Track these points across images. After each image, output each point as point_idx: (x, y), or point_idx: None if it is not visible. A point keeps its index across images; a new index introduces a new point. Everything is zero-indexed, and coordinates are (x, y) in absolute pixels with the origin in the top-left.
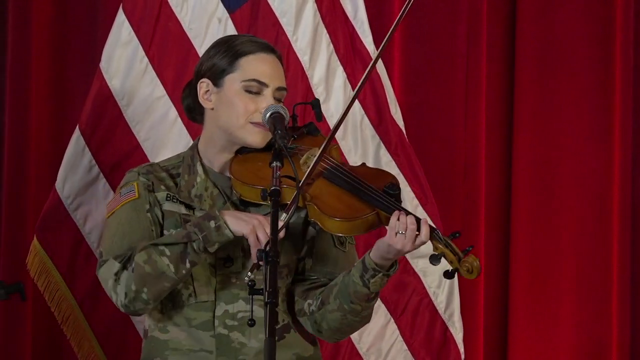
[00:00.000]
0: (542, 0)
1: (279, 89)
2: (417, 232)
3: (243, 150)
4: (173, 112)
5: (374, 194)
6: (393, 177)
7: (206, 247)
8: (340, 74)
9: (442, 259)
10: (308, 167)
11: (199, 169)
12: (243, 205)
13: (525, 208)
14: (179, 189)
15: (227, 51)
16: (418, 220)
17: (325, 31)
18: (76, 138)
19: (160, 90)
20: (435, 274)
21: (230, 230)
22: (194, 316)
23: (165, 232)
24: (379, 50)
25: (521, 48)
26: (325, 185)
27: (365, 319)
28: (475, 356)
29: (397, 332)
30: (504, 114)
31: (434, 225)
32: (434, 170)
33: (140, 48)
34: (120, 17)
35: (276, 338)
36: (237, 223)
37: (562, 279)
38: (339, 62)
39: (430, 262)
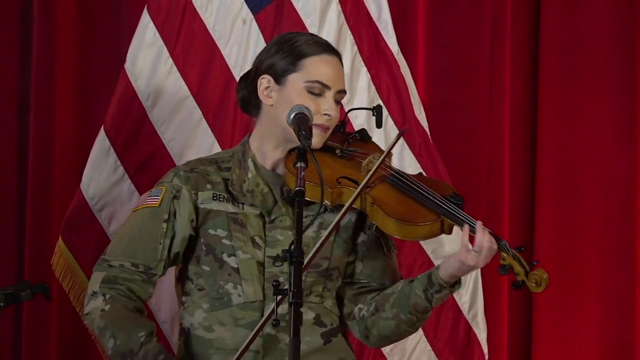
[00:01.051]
0: (566, 0)
1: (339, 91)
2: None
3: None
4: (198, 113)
5: (439, 201)
6: (452, 188)
7: None
8: (364, 75)
9: (510, 271)
10: (369, 171)
11: (250, 164)
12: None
13: (548, 208)
14: (231, 182)
15: (291, 50)
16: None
17: (349, 32)
18: (101, 139)
19: (185, 90)
20: None
21: None
22: (242, 315)
23: (211, 231)
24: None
25: (545, 48)
26: (389, 189)
27: (417, 329)
28: (499, 356)
29: (421, 332)
30: (527, 114)
31: (500, 237)
32: (458, 171)
33: (165, 49)
34: (145, 19)
35: (323, 341)
36: None
37: (586, 278)
38: (363, 63)
39: (499, 271)
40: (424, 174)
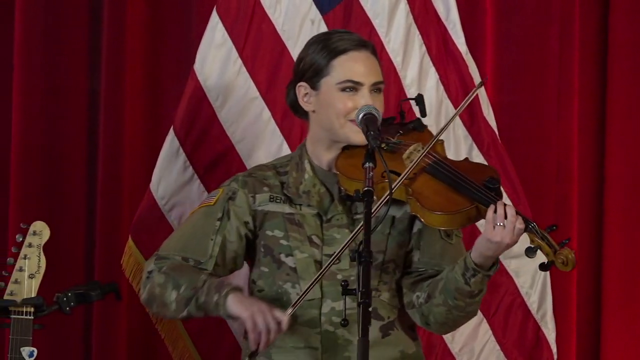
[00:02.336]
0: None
1: (374, 84)
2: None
3: (349, 147)
4: (267, 113)
5: (473, 188)
6: (494, 171)
7: (205, 311)
8: (432, 75)
9: (538, 252)
10: (411, 162)
11: (307, 166)
12: (349, 201)
13: (618, 208)
14: (287, 185)
15: (320, 53)
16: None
17: (417, 32)
18: (171, 139)
19: (253, 91)
20: (527, 274)
21: (226, 310)
22: (300, 313)
23: (268, 232)
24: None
25: (614, 48)
26: (428, 179)
27: (471, 314)
28: (568, 356)
29: (490, 332)
30: (596, 114)
31: (529, 219)
32: (526, 171)
33: (234, 49)
34: (214, 19)
35: (381, 335)
36: (237, 307)
37: None
38: (431, 63)
39: (526, 254)
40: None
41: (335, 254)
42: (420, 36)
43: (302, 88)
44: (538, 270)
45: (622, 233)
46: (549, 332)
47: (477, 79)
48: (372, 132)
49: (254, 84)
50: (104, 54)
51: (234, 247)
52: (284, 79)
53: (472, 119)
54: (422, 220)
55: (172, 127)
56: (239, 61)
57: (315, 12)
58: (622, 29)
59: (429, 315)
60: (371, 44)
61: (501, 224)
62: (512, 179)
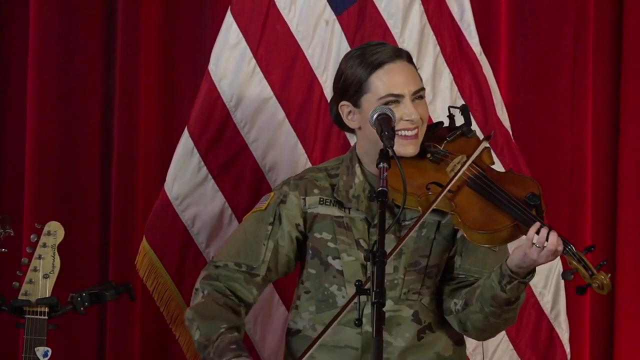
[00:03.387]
0: None
1: (415, 92)
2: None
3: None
4: (281, 113)
5: (513, 205)
6: (536, 186)
7: None
8: (446, 75)
9: (574, 274)
10: (452, 174)
11: (358, 170)
12: (393, 209)
13: (631, 209)
14: (337, 189)
15: (357, 69)
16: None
17: (431, 32)
18: (185, 139)
19: (268, 91)
20: (541, 274)
21: None
22: (347, 315)
23: (316, 234)
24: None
25: (628, 48)
26: (469, 194)
27: (509, 320)
28: (581, 356)
29: (504, 332)
30: (610, 114)
31: (567, 241)
32: (540, 171)
33: (248, 50)
34: (229, 19)
35: (417, 338)
36: None
37: None
38: (445, 64)
39: (562, 278)
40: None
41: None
42: (434, 36)
43: (345, 107)
44: (555, 273)
45: (635, 233)
46: (563, 332)
47: (491, 80)
48: (386, 133)
49: (268, 84)
50: (118, 55)
51: (285, 250)
52: (298, 79)
53: (486, 119)
54: (464, 235)
55: (186, 127)
56: (253, 61)
57: (329, 13)
58: (636, 30)
59: (466, 322)
60: (406, 52)
61: (540, 246)
62: None
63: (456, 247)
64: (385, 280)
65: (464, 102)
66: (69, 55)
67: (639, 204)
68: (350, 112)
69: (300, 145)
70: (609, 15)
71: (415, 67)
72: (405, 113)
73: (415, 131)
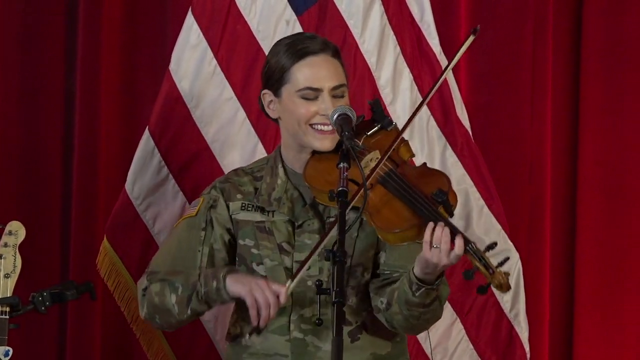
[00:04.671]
0: (609, 0)
1: (334, 87)
2: (452, 246)
3: (317, 152)
4: (241, 114)
5: (419, 203)
6: (444, 181)
7: (208, 301)
8: (407, 76)
9: (476, 275)
10: (368, 171)
11: (280, 171)
12: (317, 208)
13: (591, 207)
14: (259, 193)
15: (280, 60)
16: (453, 233)
17: (392, 33)
18: (146, 139)
19: (228, 91)
20: None
21: (228, 293)
22: (271, 321)
23: (240, 241)
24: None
25: (587, 48)
26: (381, 192)
27: (432, 319)
28: (540, 355)
29: (463, 331)
30: (570, 113)
31: (470, 240)
32: (500, 170)
33: (209, 50)
34: (189, 20)
35: (350, 340)
36: (236, 286)
37: (629, 277)
38: (405, 64)
39: (464, 277)
40: (463, 170)
41: (310, 254)
42: (394, 37)
43: (267, 95)
44: (515, 272)
45: (594, 233)
46: (522, 331)
47: (451, 79)
48: (346, 133)
49: (229, 84)
50: (79, 55)
51: (222, 254)
52: (259, 79)
53: (445, 119)
54: (380, 235)
55: (147, 128)
56: (214, 62)
57: (290, 13)
58: (595, 29)
59: (392, 321)
60: (333, 46)
61: (437, 245)
62: (486, 179)
63: (379, 242)
64: (311, 283)
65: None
66: (29, 56)
67: (598, 203)
68: (271, 101)
69: (261, 145)
70: (568, 14)
71: (341, 62)
72: (321, 108)
73: (331, 127)
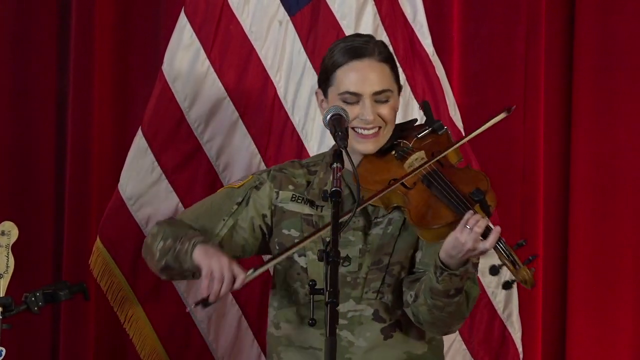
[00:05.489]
0: (601, 1)
1: (376, 93)
2: (481, 237)
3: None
4: (235, 114)
5: (457, 200)
6: (484, 181)
7: (178, 259)
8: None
9: (501, 270)
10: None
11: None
12: (365, 207)
13: (584, 209)
14: (311, 186)
15: (327, 63)
16: (489, 226)
17: (385, 33)
18: (139, 140)
19: (222, 92)
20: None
21: (192, 258)
22: (307, 314)
23: (285, 231)
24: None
25: (580, 49)
26: (422, 190)
27: (455, 315)
28: (533, 356)
29: (456, 331)
30: (562, 115)
31: (501, 237)
32: (493, 171)
33: (202, 51)
34: (182, 21)
35: (383, 337)
36: (201, 255)
37: (621, 278)
38: (398, 64)
39: (490, 273)
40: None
41: (296, 243)
42: (387, 37)
43: (319, 94)
44: (508, 272)
45: (587, 233)
46: (515, 331)
47: (443, 80)
48: (339, 133)
49: (222, 84)
50: (72, 55)
51: (244, 234)
52: (252, 79)
53: (438, 119)
54: (415, 231)
55: (140, 128)
56: (207, 62)
57: (283, 13)
58: (587, 30)
59: (418, 315)
60: (384, 50)
61: (470, 227)
62: None
63: (419, 241)
64: (350, 279)
65: (426, 100)
66: (22, 56)
67: (591, 203)
68: (322, 100)
69: (254, 146)
70: (560, 15)
71: (390, 67)
72: (360, 113)
73: (373, 130)
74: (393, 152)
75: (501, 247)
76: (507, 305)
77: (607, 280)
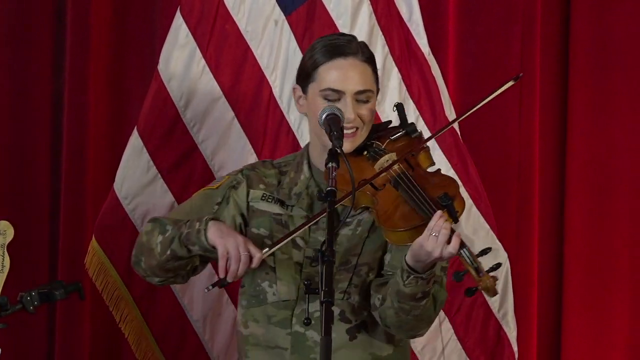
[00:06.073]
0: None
1: (359, 92)
2: (447, 241)
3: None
4: (230, 113)
5: (424, 204)
6: (453, 186)
7: (187, 244)
8: (395, 75)
9: (466, 277)
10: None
11: (305, 167)
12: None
13: (579, 208)
14: (280, 186)
15: (310, 58)
16: (452, 230)
17: (380, 33)
18: (134, 139)
19: (217, 91)
20: None
21: (207, 238)
22: (274, 313)
23: (254, 229)
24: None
25: (575, 48)
26: (390, 192)
27: (421, 318)
28: (528, 355)
29: (452, 330)
30: (558, 114)
31: (465, 243)
32: (488, 170)
33: (198, 50)
34: (178, 20)
35: (348, 337)
36: (216, 234)
37: (616, 277)
38: (394, 64)
39: (453, 279)
40: (451, 170)
41: (284, 237)
42: (383, 37)
43: (297, 90)
44: (504, 272)
45: (582, 232)
46: (510, 330)
47: (439, 79)
48: (335, 132)
49: (217, 84)
50: (67, 54)
51: None
52: (247, 79)
53: (434, 119)
54: (382, 233)
55: (135, 127)
56: (203, 61)
57: (278, 13)
58: (583, 29)
59: (385, 318)
60: (367, 51)
61: (435, 234)
62: (474, 179)
63: (388, 243)
64: (317, 279)
65: (400, 102)
66: (18, 56)
67: (586, 202)
68: (300, 96)
69: (249, 145)
70: (556, 15)
71: (372, 68)
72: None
73: (351, 130)
74: (365, 153)
75: (465, 254)
76: (502, 304)
77: (603, 279)
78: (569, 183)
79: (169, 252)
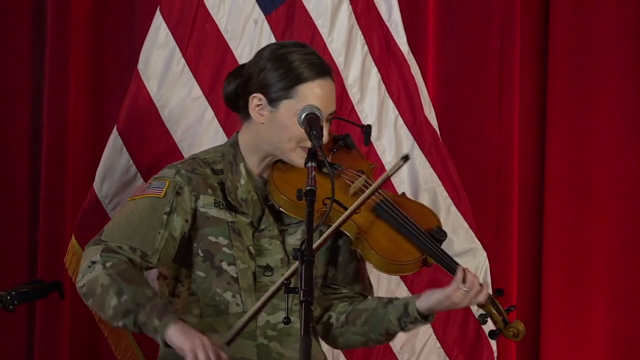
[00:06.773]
0: (576, 0)
1: (330, 114)
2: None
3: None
4: (210, 113)
5: (423, 239)
6: (437, 218)
7: (142, 330)
8: (374, 75)
9: (489, 319)
10: (358, 198)
11: (243, 170)
12: (276, 214)
13: (558, 208)
14: (228, 190)
15: (286, 74)
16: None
17: (360, 32)
18: (114, 139)
19: (197, 91)
20: None
21: (165, 339)
22: (237, 324)
23: (211, 237)
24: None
25: (554, 48)
26: (374, 219)
27: (384, 344)
28: (508, 354)
29: (431, 330)
30: (537, 114)
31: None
32: (467, 170)
33: (177, 50)
34: (158, 19)
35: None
36: (179, 338)
37: (595, 278)
38: (373, 63)
39: (478, 320)
40: (430, 169)
41: (276, 285)
42: (362, 36)
43: (257, 99)
44: (482, 272)
45: (562, 232)
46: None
47: (418, 78)
48: (314, 132)
49: (197, 83)
50: (47, 53)
51: (174, 243)
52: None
53: (414, 118)
54: (365, 259)
55: (115, 127)
56: (182, 61)
57: (258, 13)
58: (562, 28)
59: (339, 337)
60: (331, 68)
61: (467, 290)
62: (453, 178)
63: (331, 257)
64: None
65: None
66: None
67: (565, 202)
68: (260, 105)
69: None
70: (535, 14)
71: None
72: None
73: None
74: (324, 170)
75: (494, 306)
76: None
77: (581, 279)
78: (548, 183)
79: (121, 323)
